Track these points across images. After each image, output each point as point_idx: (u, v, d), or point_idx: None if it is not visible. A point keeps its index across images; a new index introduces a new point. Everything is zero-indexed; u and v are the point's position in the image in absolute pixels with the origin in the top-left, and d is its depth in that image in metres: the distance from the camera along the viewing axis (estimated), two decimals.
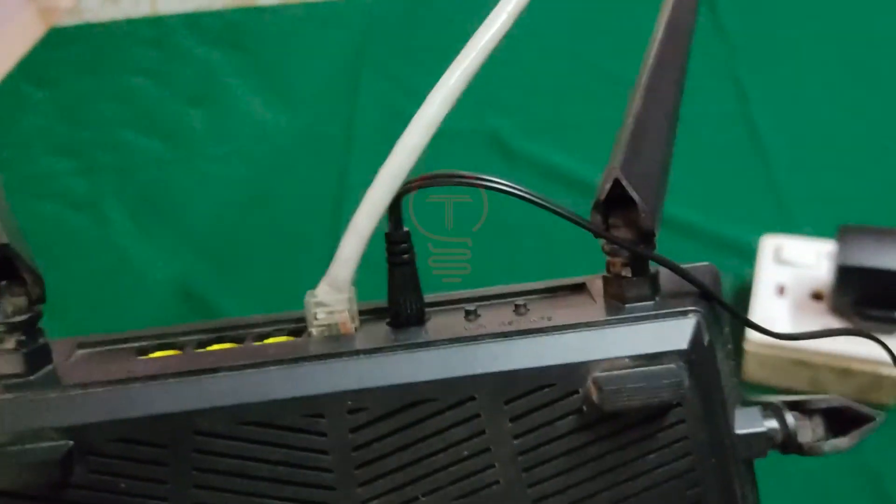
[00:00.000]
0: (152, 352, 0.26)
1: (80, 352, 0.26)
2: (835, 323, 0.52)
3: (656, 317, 0.25)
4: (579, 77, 0.78)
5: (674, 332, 0.25)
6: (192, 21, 0.93)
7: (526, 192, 0.25)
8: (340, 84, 0.83)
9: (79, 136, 0.80)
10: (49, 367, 0.25)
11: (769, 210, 0.64)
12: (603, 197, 0.25)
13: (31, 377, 0.24)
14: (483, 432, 0.24)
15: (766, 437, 0.26)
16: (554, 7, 0.84)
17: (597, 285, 0.27)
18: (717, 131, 0.71)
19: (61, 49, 0.91)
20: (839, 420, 0.27)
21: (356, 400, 0.24)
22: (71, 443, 0.23)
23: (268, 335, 0.27)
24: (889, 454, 0.51)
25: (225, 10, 0.94)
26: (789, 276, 0.55)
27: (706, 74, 0.75)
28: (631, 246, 0.25)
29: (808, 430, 0.27)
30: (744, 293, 0.56)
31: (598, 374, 0.24)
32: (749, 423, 0.26)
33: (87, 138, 0.80)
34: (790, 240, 0.56)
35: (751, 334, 0.52)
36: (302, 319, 0.26)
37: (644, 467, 0.25)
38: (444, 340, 0.25)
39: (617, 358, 0.24)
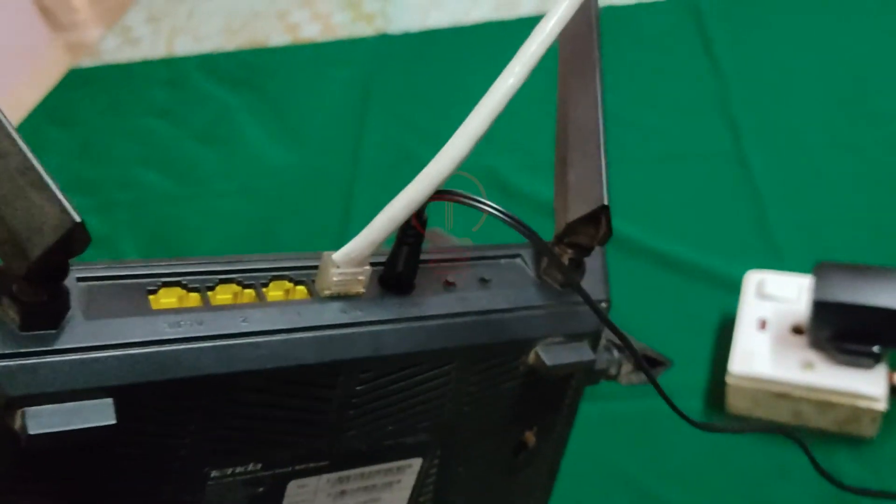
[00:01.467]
0: (159, 289, 0.27)
1: (82, 285, 0.26)
2: (814, 356, 0.53)
3: (579, 302, 0.32)
4: None
5: (587, 319, 0.33)
6: (207, 62, 0.97)
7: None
8: (347, 122, 0.86)
9: (95, 174, 0.83)
10: (69, 314, 0.24)
11: (759, 246, 0.66)
12: (578, 217, 0.31)
13: (56, 329, 0.24)
14: (448, 384, 0.31)
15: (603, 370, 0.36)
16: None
17: (530, 255, 0.34)
18: (709, 168, 0.73)
19: (80, 89, 0.95)
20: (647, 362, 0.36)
21: (368, 364, 0.29)
22: (110, 400, 0.24)
23: (271, 280, 0.29)
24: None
25: (238, 51, 0.98)
26: (771, 310, 0.56)
27: (700, 112, 0.77)
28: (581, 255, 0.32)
29: (625, 367, 0.37)
30: (729, 327, 0.57)
31: (539, 347, 0.32)
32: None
33: (103, 176, 0.83)
34: (773, 275, 0.58)
35: (732, 368, 0.54)
36: (302, 268, 0.29)
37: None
38: (437, 315, 0.30)
39: (555, 336, 0.32)
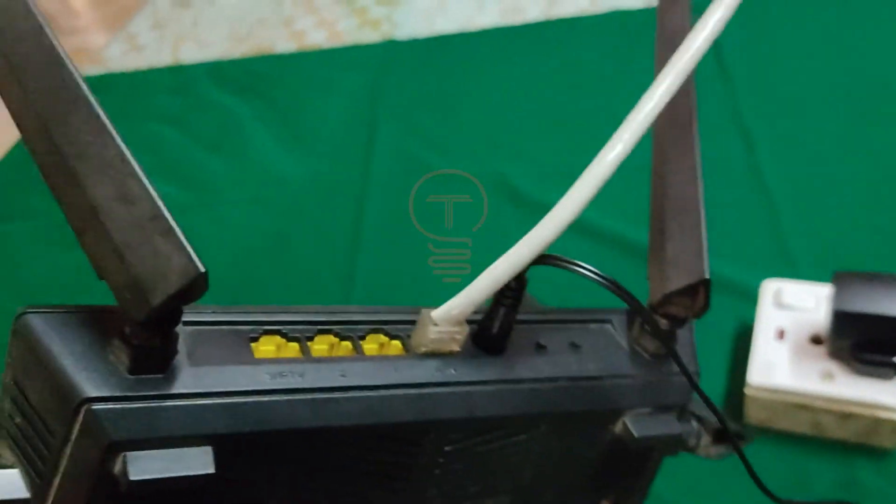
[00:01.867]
0: (260, 336, 0.27)
1: (188, 329, 0.26)
2: (833, 367, 0.53)
3: (669, 373, 0.32)
4: (590, 121, 0.80)
5: (678, 391, 0.33)
6: (213, 69, 0.96)
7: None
8: (356, 129, 0.85)
9: None
10: (176, 360, 0.25)
11: (774, 255, 0.66)
12: (678, 289, 0.31)
13: (163, 374, 0.24)
14: (533, 449, 0.31)
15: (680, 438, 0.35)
16: (564, 51, 0.87)
17: (620, 321, 0.33)
18: (723, 178, 0.72)
19: None
20: (723, 436, 0.36)
21: (458, 425, 0.29)
22: (210, 449, 0.24)
23: (367, 333, 0.29)
24: (890, 500, 0.52)
25: (244, 59, 0.97)
26: (789, 319, 0.56)
27: (712, 121, 0.77)
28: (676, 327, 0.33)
29: (704, 439, 0.36)
30: (746, 337, 0.57)
31: (627, 417, 0.32)
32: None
33: None
34: (790, 284, 0.58)
35: (751, 379, 0.54)
36: (399, 322, 0.29)
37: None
38: (529, 379, 0.30)
39: (644, 408, 0.32)
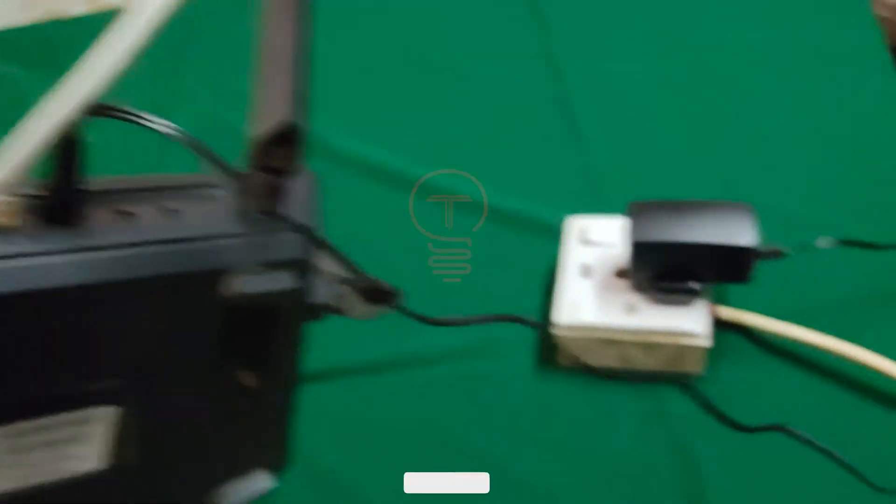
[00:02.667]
0: None
1: None
2: (637, 299, 0.52)
3: (283, 231, 0.31)
4: (396, 68, 0.77)
5: (291, 246, 0.31)
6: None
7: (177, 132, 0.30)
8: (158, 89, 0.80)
9: None
10: None
11: (585, 191, 0.65)
12: (263, 136, 0.29)
13: None
14: (130, 321, 0.29)
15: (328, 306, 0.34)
16: None
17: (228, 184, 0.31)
18: (533, 115, 0.71)
19: None
20: (376, 297, 0.36)
21: (23, 301, 0.26)
22: None
23: None
24: (695, 425, 0.52)
25: (33, 26, 0.89)
26: (594, 256, 0.55)
27: (522, 57, 0.75)
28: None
29: (352, 301, 0.35)
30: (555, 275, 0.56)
31: (234, 277, 0.30)
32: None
33: None
34: (594, 220, 0.57)
35: (557, 319, 0.52)
36: None
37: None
38: (108, 245, 0.28)
39: (251, 264, 0.30)
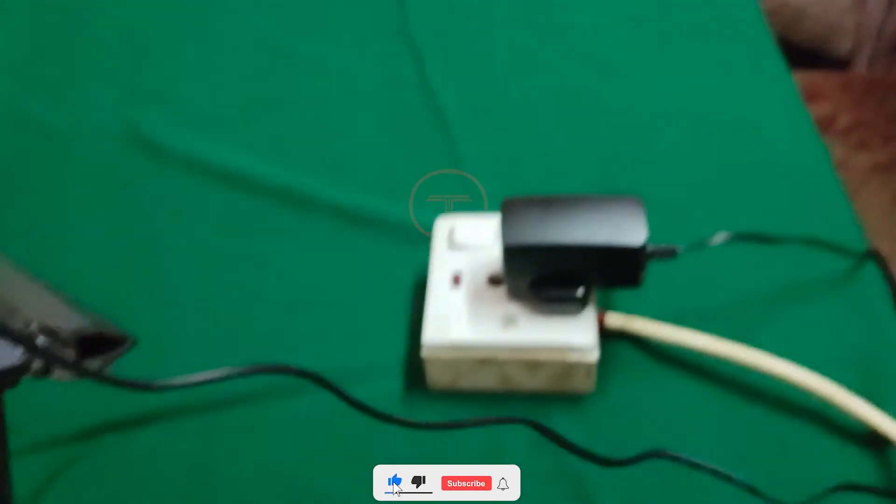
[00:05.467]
0: None
1: None
2: (515, 310, 0.45)
3: None
4: (232, 52, 0.68)
5: None
6: None
7: None
8: None
9: None
10: None
11: (455, 186, 0.57)
12: None
13: None
14: None
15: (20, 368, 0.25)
16: None
17: None
18: (393, 101, 0.63)
19: None
20: (98, 344, 0.27)
21: None
22: None
23: None
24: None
25: None
26: (465, 261, 0.48)
27: (379, 39, 0.67)
28: None
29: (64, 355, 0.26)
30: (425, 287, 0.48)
31: None
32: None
33: None
34: (463, 219, 0.49)
35: (425, 339, 0.45)
36: None
37: None
38: None
39: None
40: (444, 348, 0.45)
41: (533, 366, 0.45)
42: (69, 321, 0.26)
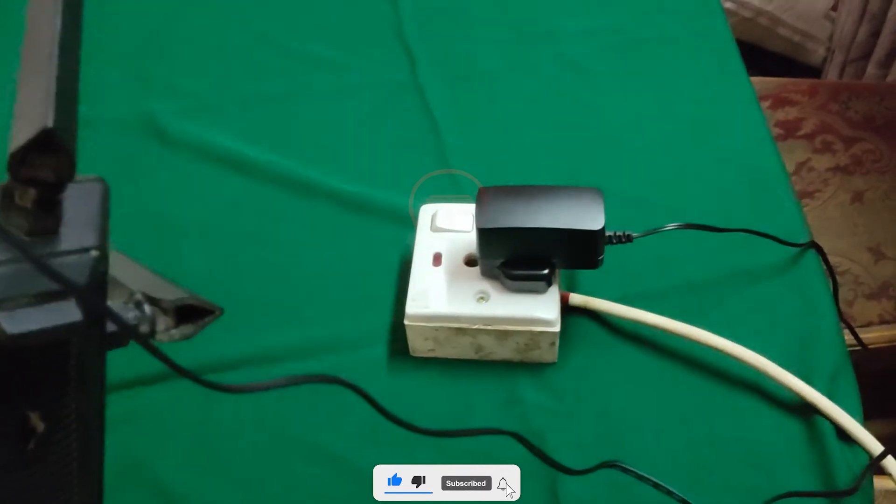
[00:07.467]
0: None
1: None
2: (488, 287, 0.51)
3: (59, 254, 0.27)
4: (240, 50, 0.73)
5: (73, 270, 0.27)
6: None
7: None
8: None
9: None
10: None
11: (440, 178, 0.63)
12: (25, 143, 0.25)
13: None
14: None
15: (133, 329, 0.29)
16: None
17: None
18: (386, 100, 0.69)
19: None
20: (191, 314, 0.31)
21: None
22: None
23: None
24: (547, 415, 0.51)
25: None
26: (445, 244, 0.54)
27: (375, 41, 0.73)
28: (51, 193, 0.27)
29: (163, 322, 0.31)
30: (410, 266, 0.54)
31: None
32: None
33: None
34: (444, 206, 0.55)
35: (408, 310, 0.51)
36: None
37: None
38: None
39: (20, 296, 0.25)
40: (424, 319, 0.51)
41: (503, 336, 0.51)
42: (168, 293, 0.30)
